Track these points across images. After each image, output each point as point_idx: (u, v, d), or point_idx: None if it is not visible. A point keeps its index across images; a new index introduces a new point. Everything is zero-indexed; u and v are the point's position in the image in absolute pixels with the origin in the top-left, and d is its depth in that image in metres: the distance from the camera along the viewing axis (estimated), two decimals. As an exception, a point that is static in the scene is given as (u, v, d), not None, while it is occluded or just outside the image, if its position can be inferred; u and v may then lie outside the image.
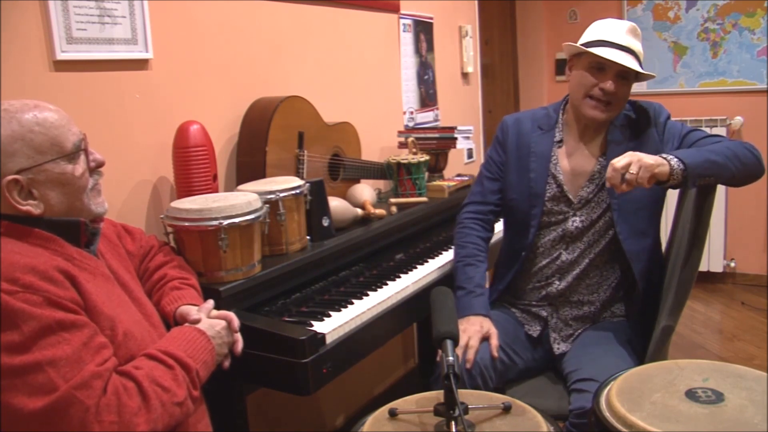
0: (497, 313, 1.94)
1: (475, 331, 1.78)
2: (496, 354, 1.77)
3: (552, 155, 1.90)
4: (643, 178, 1.56)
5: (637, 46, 1.80)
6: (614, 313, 1.90)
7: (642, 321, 1.85)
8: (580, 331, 1.87)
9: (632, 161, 1.57)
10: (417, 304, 1.89)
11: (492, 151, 2.03)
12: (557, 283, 1.89)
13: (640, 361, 1.74)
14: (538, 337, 1.91)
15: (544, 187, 1.88)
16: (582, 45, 1.81)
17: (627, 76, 1.78)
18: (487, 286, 2.01)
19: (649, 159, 1.57)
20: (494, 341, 1.79)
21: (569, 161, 1.89)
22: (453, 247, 2.07)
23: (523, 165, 1.93)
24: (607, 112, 1.80)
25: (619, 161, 1.58)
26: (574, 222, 1.86)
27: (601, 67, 1.77)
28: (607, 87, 1.77)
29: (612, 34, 1.79)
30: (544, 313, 1.91)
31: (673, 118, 1.88)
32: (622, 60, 1.74)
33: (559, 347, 1.87)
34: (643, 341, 1.81)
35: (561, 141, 1.91)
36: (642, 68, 1.79)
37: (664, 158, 1.60)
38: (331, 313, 1.65)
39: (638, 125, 1.85)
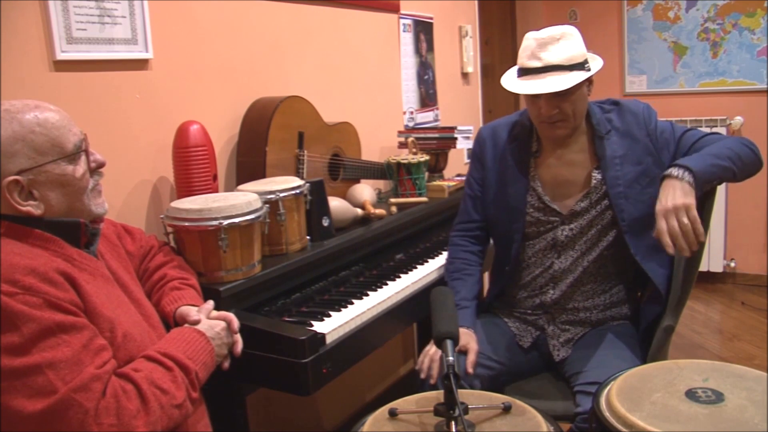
0: (487, 321, 1.93)
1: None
2: (470, 370, 1.71)
3: (530, 166, 1.85)
4: (696, 219, 1.52)
5: (556, 55, 1.68)
6: (614, 317, 1.87)
7: (653, 324, 1.82)
8: (580, 334, 1.85)
9: (677, 214, 1.52)
10: (417, 304, 1.89)
11: (471, 168, 1.99)
12: (551, 291, 1.86)
13: (644, 362, 1.73)
14: (530, 345, 1.89)
15: (524, 201, 1.84)
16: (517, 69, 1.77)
17: (564, 92, 1.69)
18: (485, 293, 1.99)
19: (684, 198, 1.53)
20: (471, 357, 1.73)
21: (551, 171, 1.83)
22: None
23: (502, 179, 1.89)
24: (562, 128, 1.76)
25: (672, 227, 1.52)
26: (564, 231, 1.82)
27: (535, 94, 1.71)
28: (543, 113, 1.72)
29: (525, 59, 1.72)
30: (540, 322, 1.89)
31: (673, 119, 1.87)
32: (537, 89, 1.67)
33: (558, 354, 1.85)
34: (648, 343, 1.80)
35: (537, 151, 1.86)
36: (585, 67, 1.70)
37: (677, 178, 1.56)
38: (331, 313, 1.66)
39: (628, 131, 1.79)
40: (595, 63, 1.76)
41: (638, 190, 1.74)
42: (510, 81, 1.78)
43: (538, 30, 1.74)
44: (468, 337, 1.77)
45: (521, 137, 1.88)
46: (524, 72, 1.73)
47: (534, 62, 1.71)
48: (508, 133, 1.91)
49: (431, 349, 1.74)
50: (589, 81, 1.76)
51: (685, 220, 1.52)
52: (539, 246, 1.86)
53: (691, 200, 1.54)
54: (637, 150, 1.78)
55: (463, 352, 1.74)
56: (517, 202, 1.85)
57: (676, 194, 1.55)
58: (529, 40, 1.73)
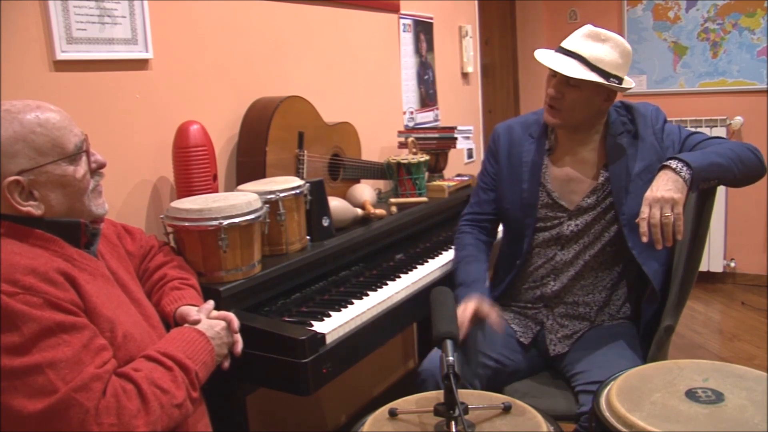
0: (486, 321, 1.93)
1: (471, 301, 1.74)
2: (499, 329, 1.73)
3: (543, 164, 1.88)
4: (680, 214, 1.55)
5: (590, 50, 1.73)
6: (613, 316, 1.88)
7: (653, 324, 1.83)
8: (579, 333, 1.86)
9: (661, 205, 1.55)
10: (417, 304, 1.89)
11: (485, 161, 2.03)
12: (552, 283, 1.88)
13: (645, 362, 1.74)
14: (530, 341, 1.90)
15: (536, 197, 1.87)
16: None
17: (574, 82, 1.73)
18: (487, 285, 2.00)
19: (672, 192, 1.56)
20: (494, 317, 1.73)
21: (562, 169, 1.87)
22: (453, 251, 2.05)
23: (516, 175, 1.92)
24: (556, 117, 1.80)
25: (653, 215, 1.56)
26: (570, 226, 1.85)
27: (554, 73, 1.77)
28: (549, 93, 1.78)
29: (567, 40, 1.78)
30: (539, 315, 1.90)
31: (673, 119, 1.88)
32: (553, 64, 1.73)
33: (555, 348, 1.86)
34: (648, 343, 1.80)
35: (551, 149, 1.89)
36: (605, 75, 1.72)
37: (674, 170, 1.59)
38: (331, 313, 1.66)
39: (637, 132, 1.83)
40: (624, 83, 1.78)
41: (639, 186, 1.76)
42: (541, 51, 1.82)
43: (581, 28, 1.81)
44: (482, 302, 1.75)
45: (536, 135, 1.92)
46: (558, 49, 1.79)
47: (569, 44, 1.77)
48: (523, 131, 1.95)
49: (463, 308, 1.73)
50: (606, 96, 1.79)
51: (668, 214, 1.55)
52: (543, 238, 1.89)
53: (680, 196, 1.56)
54: (643, 149, 1.81)
55: (484, 319, 1.74)
56: (531, 198, 1.88)
57: (668, 186, 1.58)
58: (585, 28, 1.78)
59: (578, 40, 1.76)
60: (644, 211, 1.58)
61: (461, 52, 3.56)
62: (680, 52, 4.22)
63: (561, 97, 1.77)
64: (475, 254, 1.95)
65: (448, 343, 1.25)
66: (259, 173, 1.94)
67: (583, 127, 1.84)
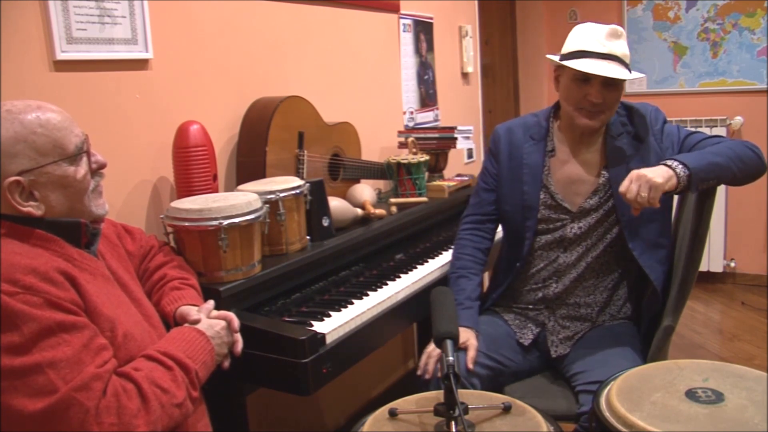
0: (487, 319, 1.93)
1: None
2: (470, 366, 1.74)
3: (545, 166, 1.88)
4: (654, 198, 1.56)
5: (619, 48, 1.76)
6: (614, 316, 1.89)
7: (654, 323, 1.83)
8: (579, 334, 1.86)
9: (640, 183, 1.56)
10: (417, 304, 1.89)
11: (486, 162, 2.03)
12: (554, 285, 1.88)
13: (645, 362, 1.74)
14: (531, 343, 1.90)
15: (537, 199, 1.87)
16: (564, 55, 1.80)
17: (614, 82, 1.75)
18: (486, 288, 2.00)
19: (657, 177, 1.56)
20: (471, 353, 1.76)
21: (564, 170, 1.87)
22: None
23: (516, 176, 1.91)
24: (599, 119, 1.79)
25: (629, 190, 1.57)
26: (573, 229, 1.85)
27: (586, 77, 1.75)
28: (595, 98, 1.75)
29: (592, 43, 1.76)
30: (541, 317, 1.90)
31: (673, 119, 1.88)
32: (605, 71, 1.71)
33: (556, 350, 1.86)
34: (649, 342, 1.81)
35: (553, 150, 1.89)
36: (629, 70, 1.76)
37: (670, 167, 1.59)
38: (331, 313, 1.66)
39: (636, 133, 1.84)
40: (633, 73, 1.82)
41: None
42: (565, 60, 1.79)
43: (595, 24, 1.82)
44: (468, 335, 1.80)
45: (537, 137, 1.91)
46: (583, 54, 1.76)
47: (600, 47, 1.75)
48: (523, 132, 1.94)
49: (430, 347, 1.77)
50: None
51: (644, 194, 1.56)
52: (545, 241, 1.88)
53: (661, 181, 1.56)
54: (643, 150, 1.81)
55: (463, 349, 1.77)
56: (532, 200, 1.87)
57: (654, 172, 1.58)
58: (593, 28, 1.78)
59: (605, 42, 1.75)
60: (624, 183, 1.60)
61: (461, 52, 3.56)
62: (680, 52, 4.22)
63: (603, 101, 1.76)
64: (470, 266, 1.96)
65: (448, 343, 1.25)
66: (259, 173, 1.94)
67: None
